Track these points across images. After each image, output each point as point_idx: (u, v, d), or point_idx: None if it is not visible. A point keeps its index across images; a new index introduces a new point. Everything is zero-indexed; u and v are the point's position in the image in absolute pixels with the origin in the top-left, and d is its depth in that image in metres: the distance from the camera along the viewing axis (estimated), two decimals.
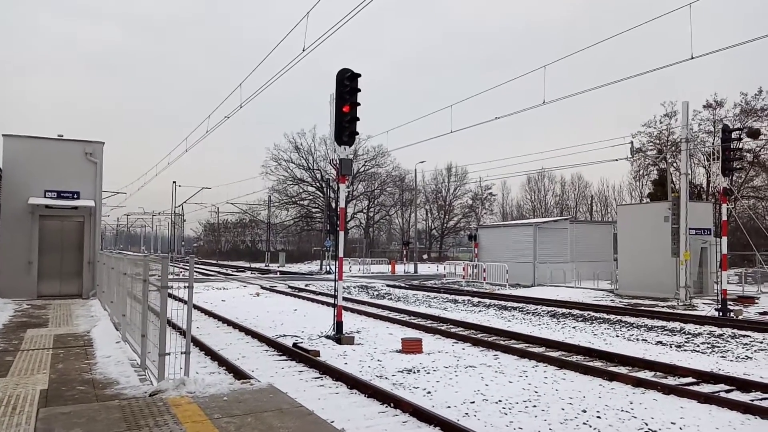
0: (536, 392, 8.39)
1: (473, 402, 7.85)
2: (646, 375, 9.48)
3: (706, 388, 8.65)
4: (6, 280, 16.32)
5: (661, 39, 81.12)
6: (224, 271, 49.15)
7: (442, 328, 14.58)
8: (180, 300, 6.89)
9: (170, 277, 6.32)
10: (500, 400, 7.92)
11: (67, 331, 10.26)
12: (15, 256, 16.50)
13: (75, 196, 17.22)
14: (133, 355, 7.81)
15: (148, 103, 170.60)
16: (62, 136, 17.89)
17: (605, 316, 18.07)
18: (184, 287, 6.28)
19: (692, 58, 12.74)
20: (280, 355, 11.15)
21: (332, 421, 6.31)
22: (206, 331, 14.04)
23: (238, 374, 9.02)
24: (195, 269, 6.59)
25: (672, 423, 6.99)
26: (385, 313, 18.04)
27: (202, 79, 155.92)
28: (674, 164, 40.77)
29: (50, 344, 8.87)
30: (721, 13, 76.39)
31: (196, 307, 17.68)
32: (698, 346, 12.73)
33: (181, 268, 35.12)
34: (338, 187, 13.76)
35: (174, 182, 64.15)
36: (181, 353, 6.18)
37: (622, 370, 9.85)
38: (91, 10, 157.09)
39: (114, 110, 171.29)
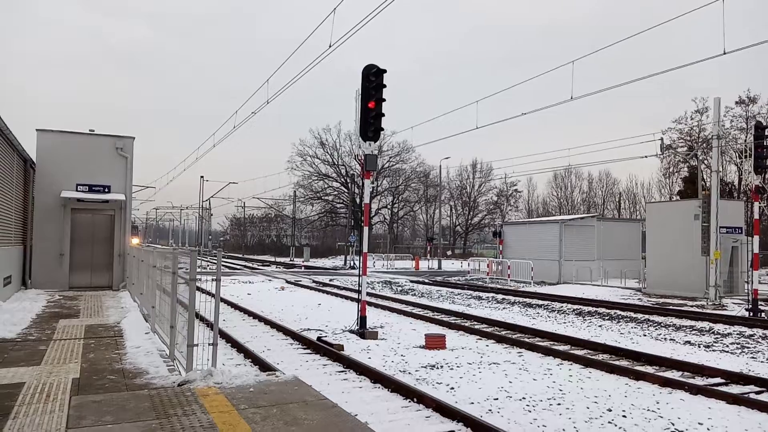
0: (561, 390, 8.34)
1: (497, 399, 7.84)
2: (674, 375, 9.35)
3: (735, 389, 8.49)
4: (39, 272, 16.79)
5: (691, 35, 79.49)
6: (250, 265, 49.64)
7: (466, 324, 14.55)
8: (207, 293, 7.01)
9: (198, 270, 6.43)
10: (524, 398, 7.89)
11: (97, 321, 10.50)
12: (48, 248, 16.92)
13: (106, 190, 17.57)
14: (161, 346, 7.96)
15: (178, 100, 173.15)
16: (93, 131, 18.25)
17: (632, 314, 17.83)
18: (211, 280, 6.39)
19: (725, 53, 12.49)
20: (305, 349, 11.27)
21: (356, 414, 6.35)
22: (232, 323, 14.24)
23: (264, 366, 9.14)
24: (221, 263, 6.68)
25: (699, 423, 6.89)
26: (408, 308, 18.07)
27: (230, 77, 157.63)
28: (705, 161, 39.93)
29: (82, 334, 9.09)
30: (754, 8, 74.48)
31: (222, 300, 17.88)
32: (727, 346, 12.50)
33: (208, 261, 35.58)
34: (363, 183, 13.83)
35: (202, 177, 65.09)
36: (209, 345, 6.30)
37: (649, 369, 9.72)
38: (119, 8, 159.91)
39: (144, 107, 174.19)
